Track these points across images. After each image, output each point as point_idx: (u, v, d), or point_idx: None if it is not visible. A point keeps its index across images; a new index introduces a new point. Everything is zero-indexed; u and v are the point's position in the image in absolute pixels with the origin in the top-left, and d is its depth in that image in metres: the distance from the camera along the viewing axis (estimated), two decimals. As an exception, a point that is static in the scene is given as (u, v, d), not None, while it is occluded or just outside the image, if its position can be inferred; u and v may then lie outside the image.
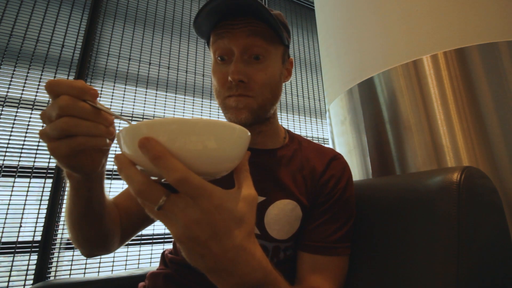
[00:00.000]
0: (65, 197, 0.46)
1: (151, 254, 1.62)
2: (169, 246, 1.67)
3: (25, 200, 1.38)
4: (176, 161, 0.25)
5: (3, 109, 1.42)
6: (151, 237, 1.64)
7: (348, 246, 0.54)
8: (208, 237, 0.27)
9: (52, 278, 1.37)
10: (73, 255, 1.44)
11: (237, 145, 0.29)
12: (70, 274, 1.41)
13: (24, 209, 1.37)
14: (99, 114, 0.33)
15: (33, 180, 1.42)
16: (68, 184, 0.42)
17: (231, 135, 0.28)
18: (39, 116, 1.47)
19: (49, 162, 1.47)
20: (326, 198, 0.55)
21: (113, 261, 1.51)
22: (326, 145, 0.66)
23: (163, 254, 0.65)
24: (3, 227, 1.31)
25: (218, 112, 2.00)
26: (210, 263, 0.28)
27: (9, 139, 1.41)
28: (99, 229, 0.48)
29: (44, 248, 1.37)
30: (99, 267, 1.47)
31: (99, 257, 1.48)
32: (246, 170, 0.34)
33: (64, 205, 0.49)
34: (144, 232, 1.62)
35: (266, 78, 0.53)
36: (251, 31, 0.51)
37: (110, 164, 1.61)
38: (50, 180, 1.46)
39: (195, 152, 0.26)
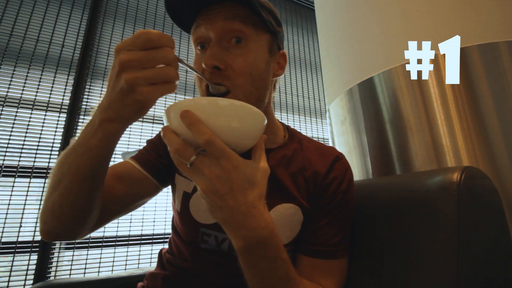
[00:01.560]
0: (74, 153, 0.40)
1: (151, 254, 1.62)
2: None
3: (25, 200, 1.38)
4: (206, 127, 0.32)
5: (3, 109, 1.42)
6: (151, 237, 1.64)
7: (348, 247, 0.53)
8: (226, 192, 0.34)
9: (52, 278, 1.37)
10: (73, 255, 1.44)
11: (254, 126, 0.36)
12: (70, 274, 1.41)
13: (24, 209, 1.37)
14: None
15: (33, 180, 1.42)
16: (90, 137, 0.37)
17: (251, 118, 0.35)
18: (39, 116, 1.48)
19: (49, 162, 1.47)
20: (328, 201, 0.53)
21: (113, 261, 1.51)
22: (332, 147, 0.64)
23: (160, 252, 0.64)
24: (3, 227, 1.31)
25: (218, 112, 2.00)
26: (226, 215, 0.35)
27: (9, 139, 1.41)
28: (93, 198, 0.43)
29: (44, 248, 1.37)
30: (99, 267, 1.47)
31: (99, 257, 1.48)
32: (261, 149, 0.40)
33: (65, 164, 0.40)
34: (144, 232, 1.63)
35: (245, 66, 0.47)
36: (228, 14, 0.47)
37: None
38: (50, 180, 1.46)
39: (221, 127, 0.33)
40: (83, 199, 0.41)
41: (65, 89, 1.58)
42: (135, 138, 1.72)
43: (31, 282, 1.31)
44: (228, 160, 0.33)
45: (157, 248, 1.65)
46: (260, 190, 0.37)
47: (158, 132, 0.63)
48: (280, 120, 0.66)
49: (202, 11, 0.50)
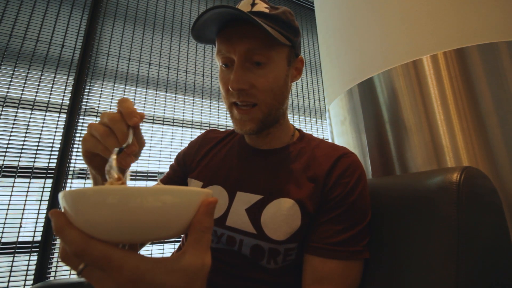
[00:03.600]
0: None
1: (151, 254, 1.61)
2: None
3: (25, 200, 1.38)
4: (74, 232, 0.24)
5: (3, 109, 1.42)
6: (151, 237, 1.64)
7: (358, 251, 0.49)
8: None
9: (52, 278, 1.37)
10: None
11: (168, 211, 0.25)
12: (70, 274, 1.41)
13: (24, 209, 1.37)
14: (126, 136, 0.36)
15: (33, 180, 1.42)
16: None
17: (142, 200, 0.24)
18: (39, 116, 1.48)
19: (49, 162, 1.47)
20: (330, 198, 0.52)
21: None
22: (345, 147, 0.63)
23: None
24: (3, 227, 1.31)
25: (218, 112, 2.00)
26: None
27: (9, 139, 1.41)
28: None
29: (44, 248, 1.37)
30: (99, 267, 1.47)
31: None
32: (200, 229, 0.27)
33: None
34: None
35: (267, 84, 0.53)
36: (249, 38, 0.51)
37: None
38: (50, 180, 1.46)
39: (98, 222, 0.24)
40: None
41: (65, 89, 1.58)
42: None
43: (31, 282, 1.31)
44: (118, 272, 0.24)
45: (157, 248, 1.65)
46: None
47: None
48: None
49: (224, 29, 0.53)
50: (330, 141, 1.05)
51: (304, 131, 0.67)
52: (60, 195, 0.25)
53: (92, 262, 0.24)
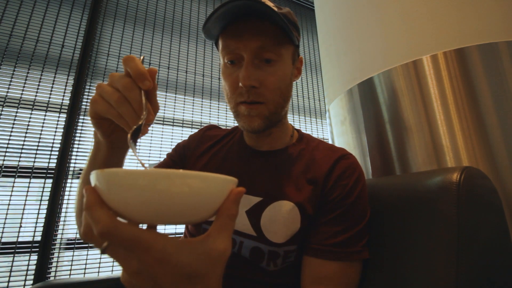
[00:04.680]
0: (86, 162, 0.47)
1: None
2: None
3: (25, 200, 1.38)
4: (102, 212, 0.24)
5: (3, 109, 1.42)
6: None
7: (357, 251, 0.49)
8: None
9: (52, 278, 1.37)
10: (73, 255, 1.44)
11: (199, 197, 0.26)
12: (70, 274, 1.41)
13: (24, 209, 1.37)
14: (142, 106, 0.34)
15: (33, 180, 1.42)
16: (93, 146, 0.44)
17: (190, 187, 0.25)
18: (39, 116, 1.48)
19: (49, 162, 1.47)
20: (329, 199, 0.52)
21: (113, 261, 1.51)
22: (344, 148, 0.63)
23: None
24: (3, 227, 1.31)
25: (218, 112, 2.00)
26: None
27: (9, 139, 1.41)
28: None
29: (44, 248, 1.37)
30: (99, 267, 1.47)
31: (99, 257, 1.48)
32: (228, 216, 0.28)
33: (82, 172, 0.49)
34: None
35: (276, 82, 0.52)
36: (260, 35, 0.50)
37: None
38: (50, 180, 1.46)
39: (140, 205, 0.24)
40: None
41: (65, 89, 1.58)
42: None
43: (31, 282, 1.31)
44: (146, 252, 0.24)
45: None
46: (205, 283, 0.26)
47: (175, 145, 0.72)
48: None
49: (231, 25, 0.52)
50: (330, 141, 1.05)
51: (303, 131, 0.67)
52: (93, 173, 0.26)
53: (119, 242, 0.24)
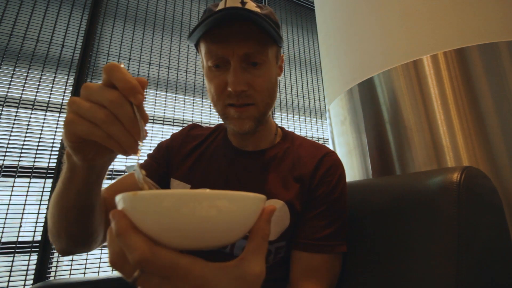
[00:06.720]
0: (57, 183, 0.40)
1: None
2: None
3: (25, 200, 1.38)
4: (139, 238, 0.22)
5: (3, 109, 1.42)
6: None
7: (339, 244, 0.52)
8: None
9: (52, 278, 1.37)
10: (73, 255, 1.44)
11: (236, 218, 0.24)
12: (70, 274, 1.41)
13: (24, 209, 1.37)
14: (135, 123, 0.29)
15: (33, 180, 1.42)
16: (64, 167, 0.37)
17: (227, 208, 0.23)
18: (39, 116, 1.48)
19: (49, 162, 1.47)
20: (315, 196, 0.54)
21: (113, 261, 1.51)
22: (326, 145, 0.64)
23: None
24: (3, 227, 1.31)
25: (218, 112, 2.00)
26: None
27: (9, 139, 1.41)
28: (86, 225, 0.42)
29: (44, 248, 1.37)
30: (99, 267, 1.47)
31: (99, 257, 1.48)
32: (262, 237, 0.26)
33: (53, 193, 0.42)
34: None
35: (264, 84, 0.53)
36: (247, 40, 0.49)
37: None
38: (50, 180, 1.46)
39: (173, 230, 0.22)
40: (76, 227, 0.42)
41: (65, 89, 1.58)
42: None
43: (31, 282, 1.31)
44: (183, 279, 0.23)
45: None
46: None
47: (157, 144, 0.68)
48: (279, 120, 0.67)
49: (214, 30, 0.50)
50: (330, 141, 1.06)
51: (303, 132, 0.67)
52: (122, 197, 0.23)
53: (157, 270, 0.22)
